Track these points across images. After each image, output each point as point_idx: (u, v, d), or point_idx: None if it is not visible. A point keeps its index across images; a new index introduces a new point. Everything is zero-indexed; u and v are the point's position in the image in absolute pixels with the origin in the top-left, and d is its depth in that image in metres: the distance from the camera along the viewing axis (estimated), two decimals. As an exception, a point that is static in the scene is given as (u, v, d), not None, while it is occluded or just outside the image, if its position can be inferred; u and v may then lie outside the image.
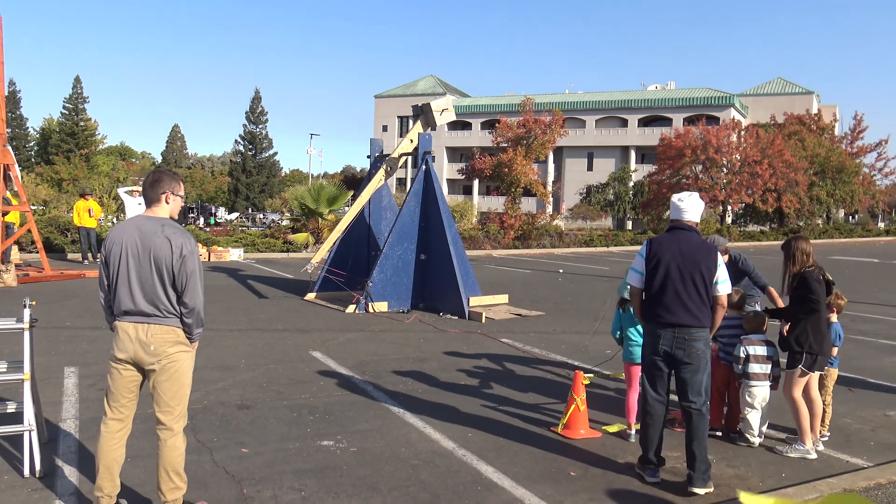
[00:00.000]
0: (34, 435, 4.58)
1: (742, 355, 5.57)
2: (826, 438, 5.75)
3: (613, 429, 5.89)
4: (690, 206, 4.83)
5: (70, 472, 4.63)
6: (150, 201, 4.04)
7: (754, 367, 5.56)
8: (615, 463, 5.14)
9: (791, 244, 5.52)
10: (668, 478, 4.86)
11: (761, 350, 5.59)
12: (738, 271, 6.45)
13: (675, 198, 4.92)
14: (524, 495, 4.51)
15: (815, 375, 5.51)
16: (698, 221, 4.90)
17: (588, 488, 4.68)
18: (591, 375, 6.42)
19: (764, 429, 5.66)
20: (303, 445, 5.30)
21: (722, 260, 4.81)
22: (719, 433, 5.74)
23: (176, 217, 4.13)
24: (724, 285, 4.73)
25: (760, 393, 5.56)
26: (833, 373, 5.90)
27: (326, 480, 4.66)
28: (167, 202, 4.05)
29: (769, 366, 5.60)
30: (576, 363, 8.25)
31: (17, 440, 4.89)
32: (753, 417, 5.56)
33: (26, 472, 4.53)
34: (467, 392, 6.95)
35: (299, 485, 4.57)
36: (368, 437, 5.53)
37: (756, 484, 4.83)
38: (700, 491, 4.61)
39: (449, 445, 5.39)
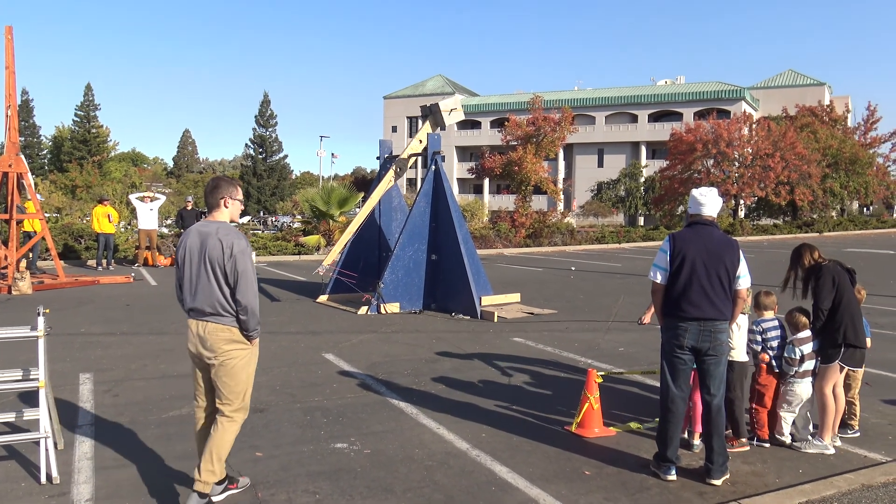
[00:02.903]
0: (50, 442, 4.61)
1: (797, 356, 5.43)
2: (858, 434, 5.66)
3: (635, 425, 5.87)
4: (710, 201, 4.88)
5: (86, 479, 4.65)
6: (211, 207, 4.32)
7: (807, 365, 5.44)
8: (630, 461, 5.11)
9: (797, 252, 5.59)
10: (683, 476, 4.83)
11: (811, 347, 5.46)
12: None
13: (695, 192, 4.95)
14: (539, 495, 4.50)
15: (842, 373, 5.44)
16: (715, 216, 4.92)
17: (603, 487, 4.66)
18: (605, 373, 6.38)
19: (809, 428, 5.52)
20: (316, 448, 5.30)
21: (742, 255, 4.85)
22: (767, 444, 5.50)
23: (237, 220, 4.44)
24: (744, 279, 4.85)
25: (805, 391, 5.44)
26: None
27: (340, 483, 4.66)
28: (226, 206, 4.31)
29: (815, 360, 5.49)
30: (589, 361, 8.22)
31: (33, 447, 4.92)
32: (790, 418, 5.48)
33: (43, 479, 4.56)
34: (480, 392, 6.94)
35: (314, 487, 4.57)
36: (382, 438, 5.53)
37: (773, 481, 4.78)
38: (717, 482, 4.66)
39: (463, 446, 5.38)
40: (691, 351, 4.76)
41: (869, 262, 22.37)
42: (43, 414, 4.65)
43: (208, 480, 4.13)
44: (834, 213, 50.17)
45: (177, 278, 4.34)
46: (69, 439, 5.36)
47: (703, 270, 4.70)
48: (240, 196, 4.39)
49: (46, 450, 4.57)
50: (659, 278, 4.87)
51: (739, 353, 5.41)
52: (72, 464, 4.90)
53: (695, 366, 4.86)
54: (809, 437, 5.43)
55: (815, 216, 45.77)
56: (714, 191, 4.96)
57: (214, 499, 4.26)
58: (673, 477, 4.75)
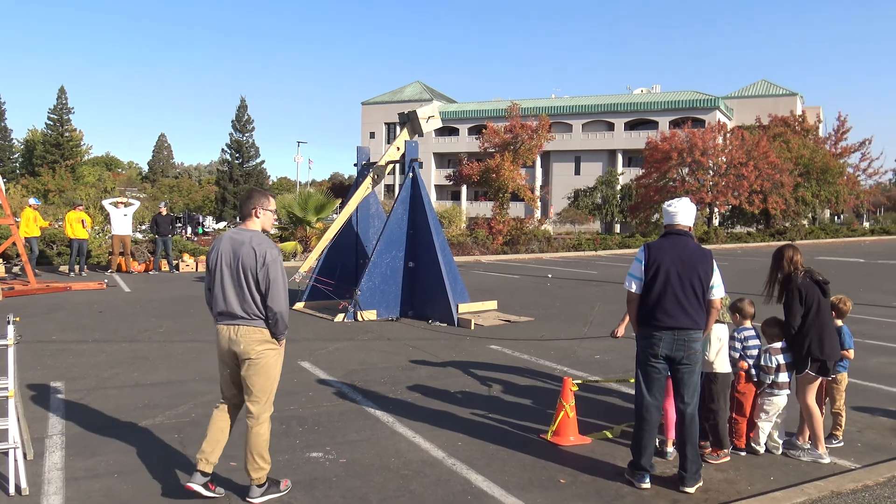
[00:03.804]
0: (19, 453, 4.53)
1: (773, 365, 5.46)
2: (841, 444, 5.67)
3: (610, 434, 5.91)
4: (681, 210, 4.92)
5: (56, 490, 4.58)
6: (243, 216, 4.62)
7: (782, 377, 5.48)
8: (605, 469, 5.14)
9: (778, 252, 5.57)
10: (657, 483, 4.86)
11: (786, 358, 5.50)
12: None
13: (665, 205, 5.02)
14: (514, 504, 4.51)
15: (819, 382, 5.46)
16: (692, 225, 4.96)
17: (578, 495, 4.68)
18: (580, 381, 6.41)
19: (778, 438, 5.57)
20: (292, 457, 5.27)
21: (716, 265, 4.89)
22: (743, 452, 5.54)
23: (268, 229, 4.70)
24: (718, 289, 4.89)
25: (781, 402, 5.49)
26: (843, 377, 5.81)
27: (315, 493, 4.64)
28: (257, 216, 4.58)
29: (791, 373, 5.51)
30: (565, 369, 8.26)
31: (1, 458, 4.83)
32: (766, 427, 5.51)
33: (11, 490, 4.48)
34: (456, 400, 6.95)
35: (288, 497, 4.54)
36: (358, 447, 5.52)
37: (745, 488, 4.84)
38: (691, 489, 4.70)
39: (439, 454, 5.38)
40: (665, 360, 4.80)
41: (839, 270, 22.75)
42: (12, 424, 4.57)
43: (259, 476, 4.48)
44: (806, 222, 50.97)
45: (206, 283, 4.60)
46: (39, 449, 5.28)
47: (676, 280, 4.74)
48: (272, 207, 4.65)
49: (16, 461, 4.49)
50: (634, 287, 4.91)
51: (722, 365, 5.43)
52: (42, 475, 4.82)
53: (669, 374, 4.91)
54: (805, 447, 5.49)
55: (787, 224, 46.48)
56: (685, 200, 4.99)
57: (254, 501, 4.49)
58: (647, 485, 4.79)
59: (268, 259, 4.36)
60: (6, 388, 4.61)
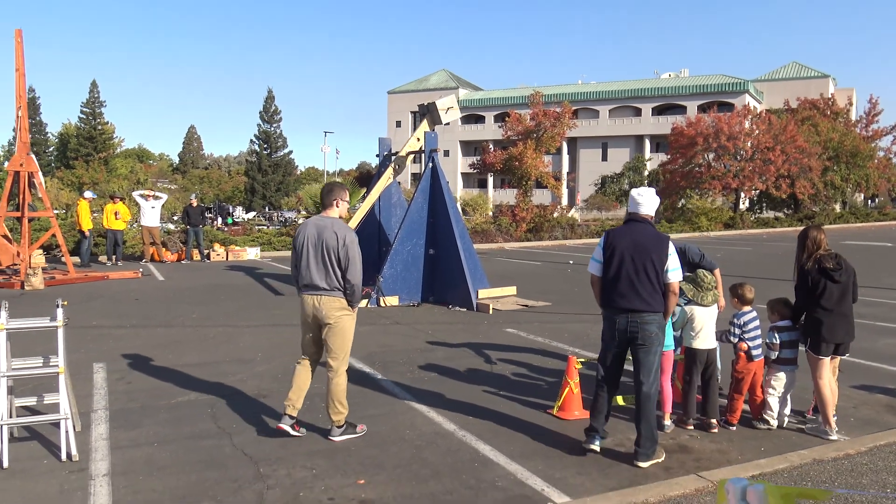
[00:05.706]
0: (69, 423, 5.03)
1: (777, 341, 5.74)
2: (835, 418, 5.71)
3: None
4: (647, 201, 5.19)
5: (102, 457, 5.07)
6: (325, 206, 5.54)
7: (786, 353, 5.76)
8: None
9: (802, 233, 5.79)
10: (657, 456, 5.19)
11: (789, 336, 5.78)
12: (686, 262, 6.29)
13: (634, 192, 5.29)
14: (517, 470, 4.90)
15: (826, 363, 5.63)
16: (653, 215, 5.22)
17: (577, 463, 5.05)
18: (585, 360, 6.75)
19: (787, 412, 5.87)
20: (314, 430, 5.70)
21: (673, 249, 5.11)
22: (734, 427, 5.80)
23: (345, 216, 5.64)
24: (674, 273, 5.05)
25: (785, 377, 5.76)
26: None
27: (336, 460, 5.07)
28: (337, 206, 5.52)
29: (796, 350, 5.78)
30: (577, 350, 8.59)
31: (52, 430, 5.34)
32: (774, 401, 5.77)
33: (63, 456, 4.97)
34: (470, 379, 7.34)
35: (311, 464, 4.98)
36: (376, 421, 5.93)
37: (735, 457, 5.17)
38: (643, 465, 4.95)
39: (450, 427, 5.78)
40: (623, 338, 5.08)
41: (865, 254, 22.67)
42: (63, 398, 5.06)
43: (339, 419, 5.45)
44: (837, 206, 50.34)
45: (293, 260, 5.49)
46: (85, 422, 5.78)
47: (630, 263, 5.00)
48: (347, 198, 5.59)
49: (66, 431, 4.99)
50: (595, 270, 5.25)
51: (702, 342, 5.79)
52: (89, 444, 5.32)
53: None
54: (811, 422, 5.78)
55: (816, 209, 45.99)
56: (651, 191, 5.27)
57: (335, 439, 5.45)
58: (595, 447, 5.10)
59: (347, 241, 5.26)
60: (57, 366, 5.10)
